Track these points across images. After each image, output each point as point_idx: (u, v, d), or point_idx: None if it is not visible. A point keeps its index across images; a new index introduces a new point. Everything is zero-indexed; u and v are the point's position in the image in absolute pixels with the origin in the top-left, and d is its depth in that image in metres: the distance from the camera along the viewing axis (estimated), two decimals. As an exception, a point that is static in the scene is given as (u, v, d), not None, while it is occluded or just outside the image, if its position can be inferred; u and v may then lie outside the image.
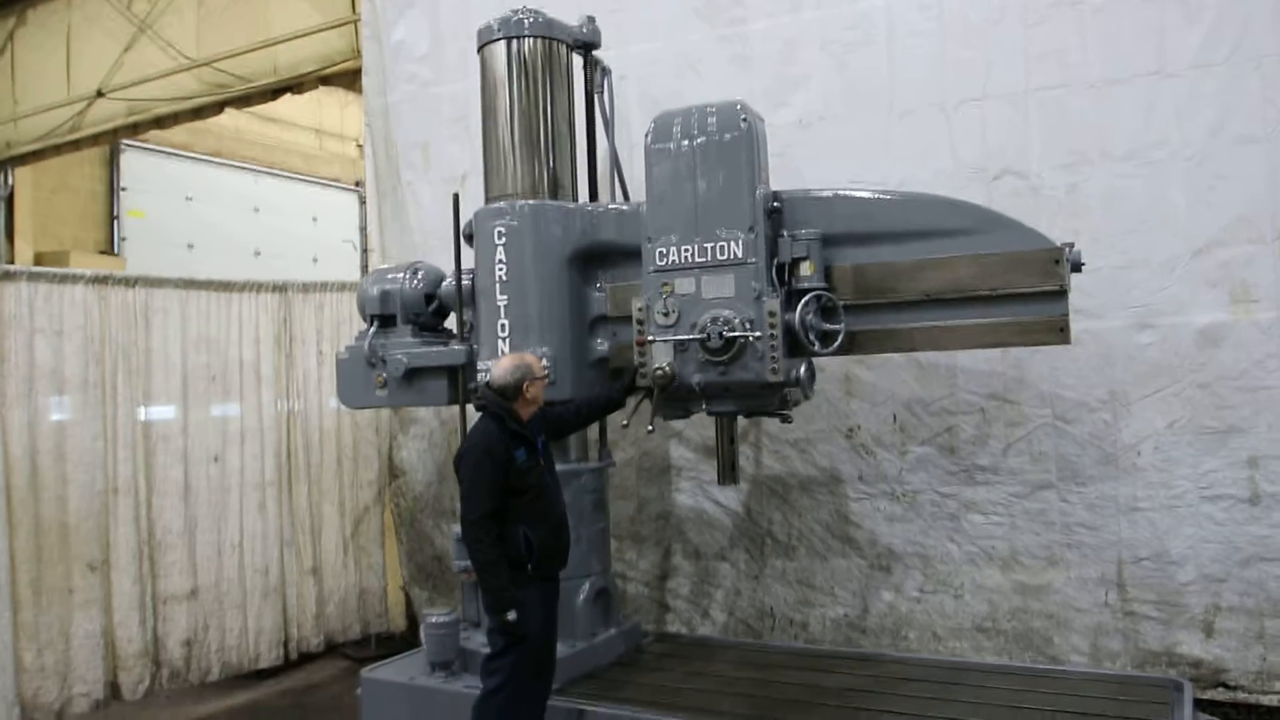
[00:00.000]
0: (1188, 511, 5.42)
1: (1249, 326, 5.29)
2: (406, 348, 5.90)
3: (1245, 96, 5.27)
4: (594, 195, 6.20)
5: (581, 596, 5.48)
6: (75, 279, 6.10)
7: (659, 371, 4.96)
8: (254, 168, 14.92)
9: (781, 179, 5.55)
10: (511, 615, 4.37)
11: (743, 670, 5.45)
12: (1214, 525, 5.37)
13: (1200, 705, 5.02)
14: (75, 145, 11.02)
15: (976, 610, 5.90)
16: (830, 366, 5.92)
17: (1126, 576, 5.56)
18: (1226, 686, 5.36)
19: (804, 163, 6.13)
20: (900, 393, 6.04)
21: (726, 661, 5.63)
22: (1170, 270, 5.43)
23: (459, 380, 5.76)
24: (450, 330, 6.13)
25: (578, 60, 6.01)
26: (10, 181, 11.93)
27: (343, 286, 7.35)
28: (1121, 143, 5.51)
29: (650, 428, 5.26)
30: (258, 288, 6.93)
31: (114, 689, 6.18)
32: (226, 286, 6.78)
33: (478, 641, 5.28)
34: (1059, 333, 4.65)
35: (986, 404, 5.84)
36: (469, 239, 5.77)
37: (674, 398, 5.10)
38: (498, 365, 4.76)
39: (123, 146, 13.18)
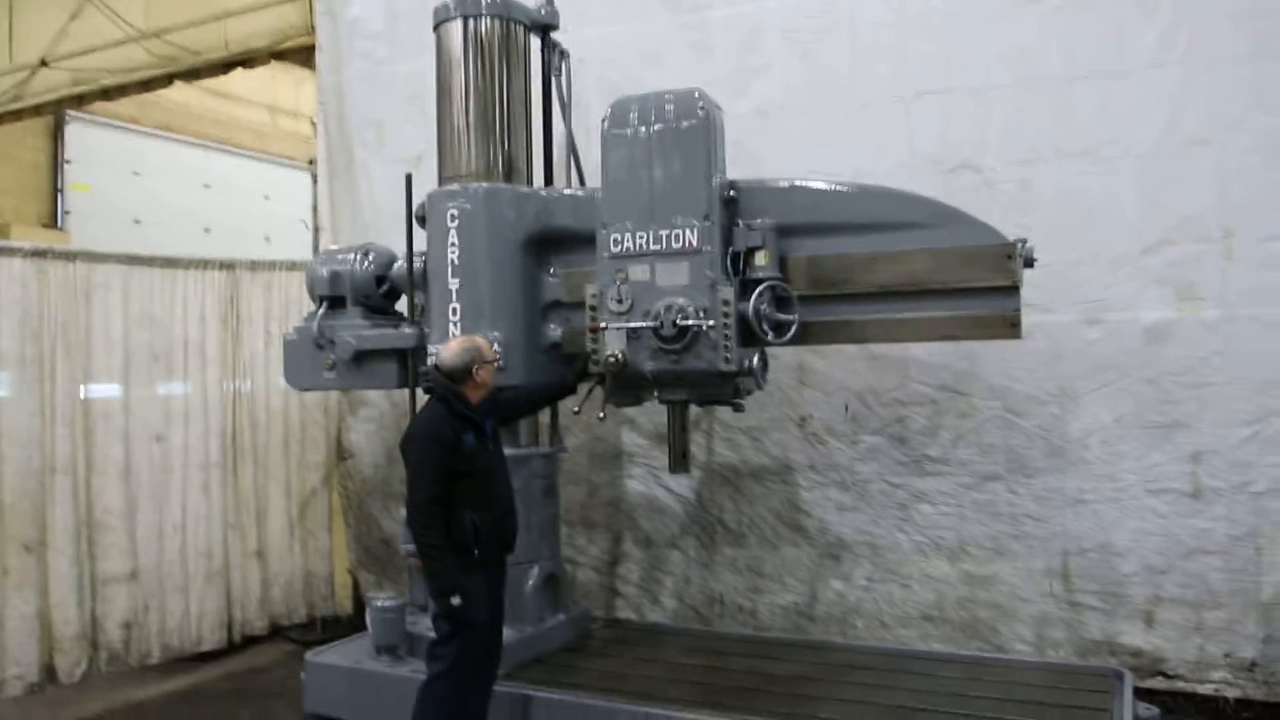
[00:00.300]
0: (1132, 504, 5.50)
1: (1194, 324, 5.37)
2: (356, 329, 5.81)
3: (1197, 98, 5.33)
4: (549, 180, 6.13)
5: (530, 582, 5.44)
6: (13, 252, 5.92)
7: (611, 358, 4.92)
8: (205, 144, 14.62)
9: (739, 168, 5.53)
10: (456, 600, 4.31)
11: (691, 657, 5.45)
12: (1157, 518, 5.46)
13: (1140, 694, 5.09)
14: (17, 115, 10.70)
15: (924, 599, 5.95)
16: (783, 355, 5.92)
17: (1071, 567, 5.64)
18: (1165, 675, 5.46)
19: (762, 152, 6.11)
20: (852, 382, 6.06)
21: (675, 648, 5.63)
22: (1119, 267, 5.50)
23: (409, 363, 5.69)
24: (401, 313, 6.05)
25: (535, 42, 5.93)
26: (-51, 151, 11.59)
27: (292, 265, 7.21)
28: (1076, 140, 5.56)
29: (601, 415, 5.23)
30: (204, 265, 6.78)
31: (50, 672, 6.04)
32: (171, 263, 6.63)
33: (424, 626, 5.22)
34: (1010, 327, 4.69)
35: (938, 395, 5.88)
36: (421, 221, 5.69)
37: (626, 385, 5.07)
38: (446, 348, 4.69)
39: (68, 118, 12.84)
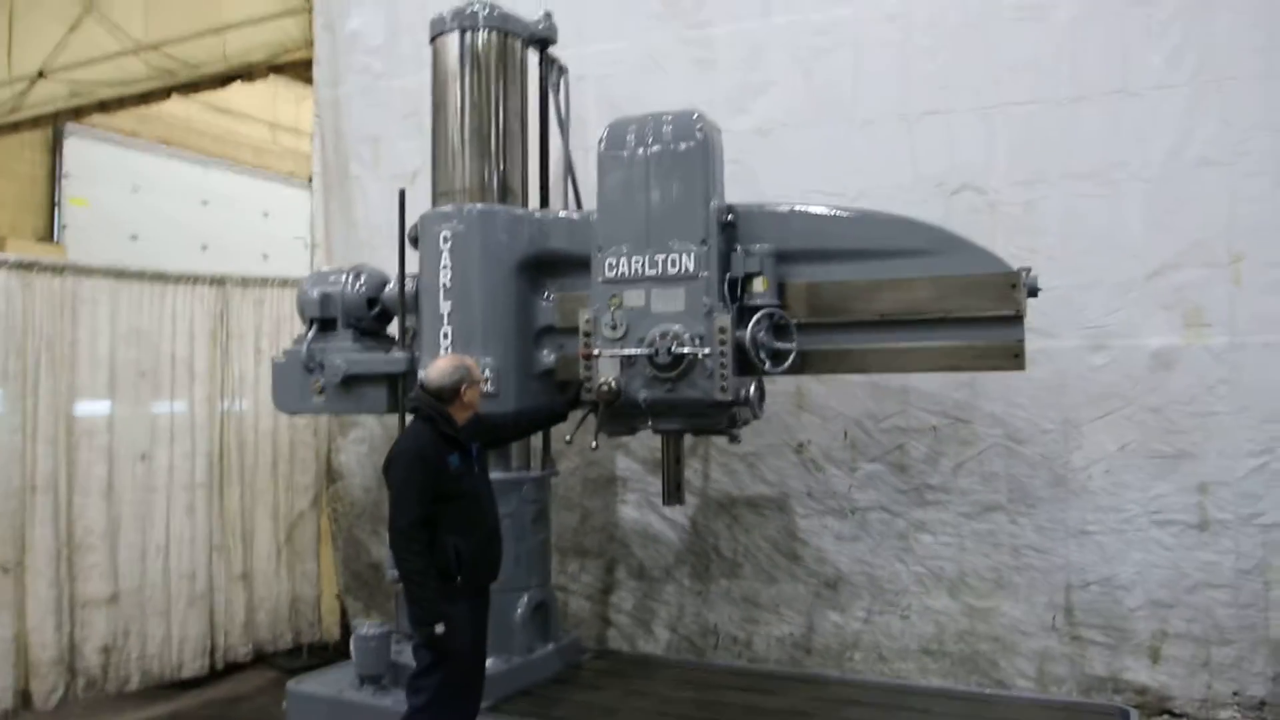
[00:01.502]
0: (1137, 536, 5.37)
1: (1201, 351, 5.25)
2: (346, 353, 5.70)
3: (1206, 119, 5.24)
4: (545, 198, 6.04)
5: (519, 610, 5.30)
6: (-3, 264, 5.82)
7: (604, 387, 4.80)
8: (204, 160, 14.56)
9: (738, 186, 5.43)
10: (439, 628, 4.18)
11: (683, 690, 5.30)
12: (1163, 550, 5.32)
13: (1145, 734, 4.95)
14: (14, 127, 10.62)
15: (923, 632, 5.80)
16: (781, 380, 5.78)
17: (1074, 600, 5.49)
18: (1172, 714, 5.30)
19: (762, 171, 6.03)
20: (851, 409, 5.93)
21: (667, 680, 5.48)
22: (1125, 292, 5.39)
23: (399, 388, 5.57)
24: (392, 336, 5.93)
25: (534, 57, 5.85)
26: (-55, 163, 11.52)
27: (284, 282, 7.10)
28: (1083, 162, 5.46)
29: (595, 444, 5.11)
30: (194, 280, 6.66)
31: (24, 697, 5.87)
32: (161, 278, 6.51)
33: (410, 655, 5.07)
34: (1014, 358, 4.57)
35: (939, 422, 5.76)
36: (414, 242, 5.58)
37: (619, 414, 4.95)
38: (434, 366, 4.57)
39: (66, 132, 12.78)
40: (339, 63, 7.60)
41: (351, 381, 5.66)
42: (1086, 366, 5.44)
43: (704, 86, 6.24)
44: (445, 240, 5.33)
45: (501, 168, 5.52)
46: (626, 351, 4.81)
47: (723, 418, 4.85)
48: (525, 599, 5.33)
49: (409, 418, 5.27)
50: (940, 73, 5.75)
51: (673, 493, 5.27)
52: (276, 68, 8.77)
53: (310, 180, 8.11)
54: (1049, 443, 5.53)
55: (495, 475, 4.96)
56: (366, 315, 5.86)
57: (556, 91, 6.04)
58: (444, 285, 5.33)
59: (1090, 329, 5.44)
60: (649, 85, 6.38)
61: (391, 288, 5.80)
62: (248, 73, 8.97)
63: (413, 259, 5.60)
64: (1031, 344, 4.79)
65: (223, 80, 9.15)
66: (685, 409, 4.83)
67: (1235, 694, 5.20)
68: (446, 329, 5.29)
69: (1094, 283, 5.42)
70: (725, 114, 5.97)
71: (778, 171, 6.02)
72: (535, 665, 5.36)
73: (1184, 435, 5.28)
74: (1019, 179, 5.57)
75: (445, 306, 5.32)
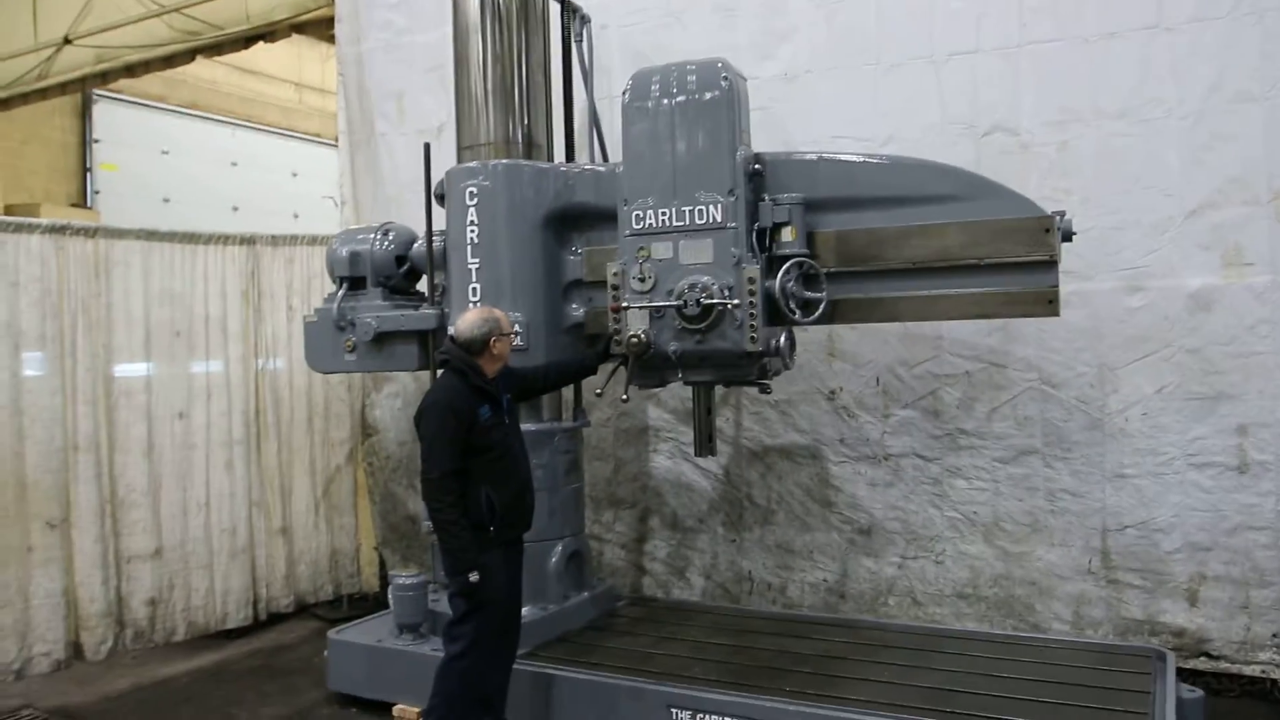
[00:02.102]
0: (1175, 479, 5.31)
1: (1241, 291, 5.15)
2: (376, 311, 5.73)
3: (1245, 52, 5.09)
4: (570, 148, 6.02)
5: (554, 559, 5.36)
6: (31, 228, 5.87)
7: (634, 339, 4.80)
8: (232, 121, 14.62)
9: (765, 133, 5.37)
10: (474, 576, 4.22)
11: (717, 635, 5.35)
12: (1201, 493, 5.26)
13: (1182, 675, 4.93)
14: (43, 94, 10.71)
15: (958, 577, 5.80)
16: (812, 328, 5.73)
17: (1110, 544, 5.46)
18: (1209, 656, 5.28)
19: (789, 117, 5.96)
20: (884, 355, 5.90)
21: (701, 626, 5.53)
22: (1162, 232, 5.29)
23: (429, 345, 5.60)
24: (422, 293, 5.95)
25: (555, 7, 5.78)
26: (-22, 130, 11.64)
27: (314, 240, 7.13)
28: (1115, 100, 5.34)
29: (625, 397, 5.12)
30: (224, 240, 6.70)
31: (76, 649, 6.03)
32: (191, 239, 6.56)
33: (447, 604, 5.15)
34: (1048, 304, 4.52)
35: (972, 367, 5.71)
36: (440, 199, 5.57)
37: (649, 366, 4.95)
38: (464, 319, 4.57)
39: (95, 97, 12.88)
40: (361, 19, 7.57)
41: (383, 339, 5.69)
42: (1123, 308, 5.36)
43: (727, 33, 6.16)
44: (471, 196, 5.32)
45: (526, 120, 5.50)
46: (656, 304, 4.80)
47: (753, 368, 4.84)
48: (559, 548, 5.39)
49: (440, 372, 5.36)
50: (966, 11, 5.63)
51: (704, 444, 5.29)
52: (298, 26, 8.75)
53: (337, 139, 8.12)
54: (1084, 386, 5.47)
55: (527, 427, 5.00)
56: (396, 273, 5.88)
57: (580, 41, 5.98)
58: (471, 241, 5.33)
59: (1126, 270, 5.35)
60: (672, 33, 6.31)
61: (420, 245, 5.80)
62: (270, 32, 8.97)
63: (440, 215, 5.60)
64: (1066, 286, 4.74)
65: (246, 41, 9.16)
66: (715, 360, 4.83)
67: (1275, 635, 5.16)
68: (475, 285, 5.30)
69: (1130, 223, 5.32)
70: (750, 60, 5.90)
71: (805, 117, 5.96)
72: (570, 613, 5.43)
73: (1223, 376, 5.20)
74: (1051, 119, 5.46)
75: (473, 263, 5.33)
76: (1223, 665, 5.26)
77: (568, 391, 5.77)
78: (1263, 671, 5.19)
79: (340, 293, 5.88)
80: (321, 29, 8.52)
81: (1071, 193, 5.35)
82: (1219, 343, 5.20)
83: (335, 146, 15.28)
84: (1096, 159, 5.38)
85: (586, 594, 5.60)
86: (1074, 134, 5.42)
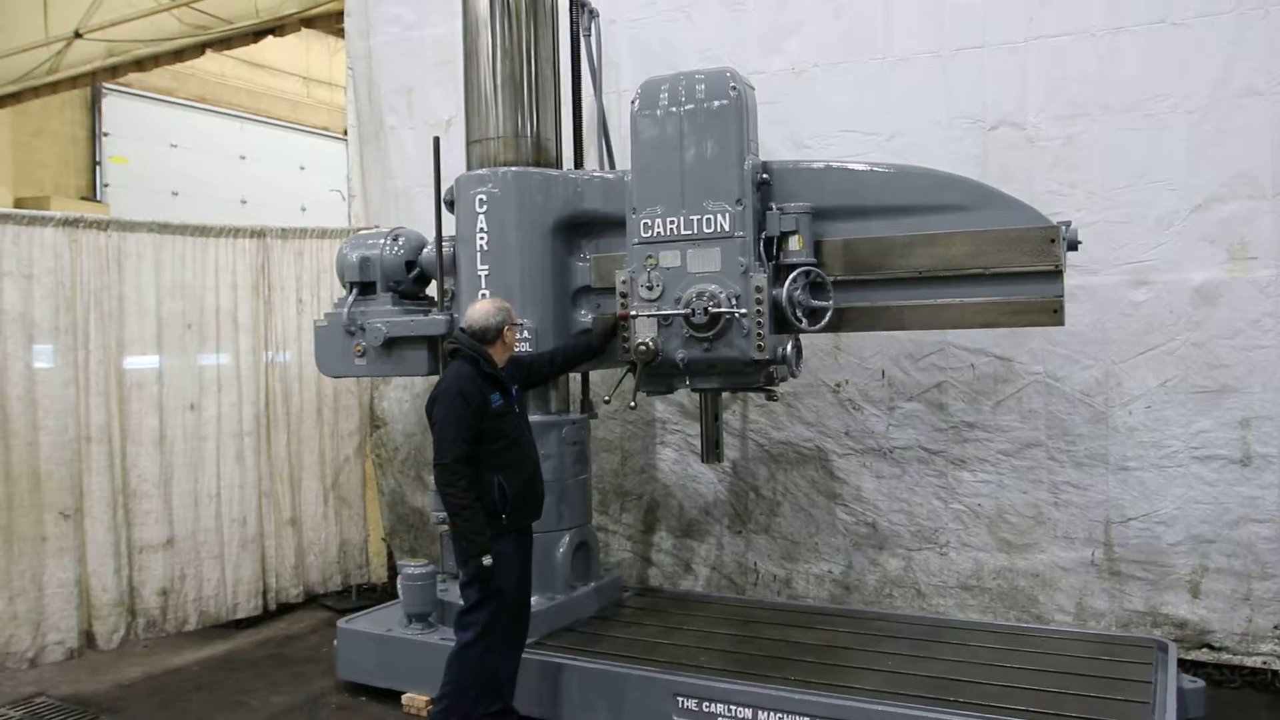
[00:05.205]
0: (1178, 472, 5.34)
1: (1246, 285, 5.18)
2: (386, 316, 5.78)
3: (1251, 47, 5.11)
4: (579, 143, 6.04)
5: (561, 549, 5.41)
6: (45, 221, 5.91)
7: (642, 347, 4.85)
8: (240, 115, 14.67)
9: (772, 129, 5.39)
10: (488, 560, 4.26)
11: (722, 626, 5.40)
12: (1204, 486, 5.29)
13: (1184, 666, 4.97)
14: (53, 88, 10.78)
15: (962, 568, 5.84)
16: (818, 320, 5.80)
17: (1114, 536, 5.49)
18: (1211, 647, 5.32)
19: (795, 112, 5.98)
20: (889, 348, 5.93)
21: (707, 616, 5.58)
22: (1167, 226, 5.31)
23: (439, 350, 5.64)
24: (432, 298, 5.99)
25: (564, 2, 5.81)
26: (-11, 123, 11.71)
27: (323, 233, 7.17)
28: (1122, 94, 5.36)
29: (633, 403, 5.19)
30: (235, 233, 6.74)
31: (89, 638, 6.08)
32: (202, 231, 6.60)
33: (455, 594, 5.21)
34: (1053, 314, 4.55)
35: (977, 360, 5.74)
36: (450, 205, 5.62)
37: (657, 373, 5.02)
38: (475, 308, 4.63)
39: (104, 91, 12.95)
40: (370, 13, 7.59)
41: (392, 344, 5.74)
42: (1128, 302, 5.39)
43: (734, 27, 6.19)
44: (481, 203, 5.36)
45: (535, 114, 5.52)
46: (664, 312, 4.86)
47: (760, 376, 4.91)
48: (567, 539, 5.43)
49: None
50: (973, 6, 5.65)
51: (711, 450, 5.34)
52: (308, 20, 8.80)
53: (345, 133, 8.15)
54: (1089, 380, 5.50)
55: (534, 418, 5.05)
56: (405, 278, 5.92)
57: (588, 36, 6.01)
58: (481, 248, 5.37)
59: (1131, 265, 5.37)
60: (679, 28, 6.34)
61: (429, 250, 5.85)
62: (279, 26, 9.03)
63: (449, 220, 5.64)
64: (1071, 280, 4.77)
65: (255, 35, 9.22)
66: (723, 368, 4.89)
67: (1276, 627, 5.20)
68: (484, 291, 5.32)
69: (1135, 217, 5.35)
70: (758, 55, 5.95)
71: (812, 112, 5.99)
72: (578, 603, 5.48)
73: (1227, 370, 5.23)
74: (1057, 114, 5.48)
75: (483, 269, 5.38)
76: (1224, 657, 5.30)
77: (575, 385, 5.81)
78: (1264, 663, 5.23)
79: (350, 297, 5.94)
80: (330, 23, 8.58)
81: (1077, 187, 5.40)
82: (1223, 336, 5.22)
83: (343, 140, 15.36)
84: (1102, 153, 5.40)
85: (593, 584, 5.65)
86: (1080, 128, 5.45)
